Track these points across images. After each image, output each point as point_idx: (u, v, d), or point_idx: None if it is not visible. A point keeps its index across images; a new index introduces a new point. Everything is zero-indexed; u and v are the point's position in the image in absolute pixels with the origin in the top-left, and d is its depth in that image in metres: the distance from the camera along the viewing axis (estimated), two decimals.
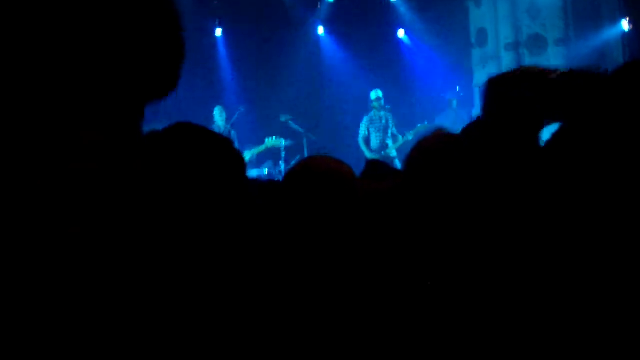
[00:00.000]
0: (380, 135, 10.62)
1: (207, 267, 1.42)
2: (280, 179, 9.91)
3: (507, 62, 12.68)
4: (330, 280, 1.84)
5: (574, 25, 12.02)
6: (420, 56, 13.55)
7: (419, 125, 10.69)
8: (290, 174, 1.97)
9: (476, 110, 12.53)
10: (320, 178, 1.85)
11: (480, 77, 13.08)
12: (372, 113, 10.80)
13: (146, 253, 1.37)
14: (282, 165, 10.91)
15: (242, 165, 1.51)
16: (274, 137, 10.56)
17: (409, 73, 13.54)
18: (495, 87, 1.91)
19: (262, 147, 10.48)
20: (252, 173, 10.20)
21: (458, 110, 11.71)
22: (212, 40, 13.21)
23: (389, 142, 10.67)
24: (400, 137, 10.63)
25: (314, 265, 1.84)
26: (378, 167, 3.54)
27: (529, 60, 12.33)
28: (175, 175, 1.39)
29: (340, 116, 11.79)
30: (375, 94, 10.83)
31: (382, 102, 10.68)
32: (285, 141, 10.74)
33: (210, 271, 1.43)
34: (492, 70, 12.86)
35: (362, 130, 10.77)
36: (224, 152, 1.48)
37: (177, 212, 1.37)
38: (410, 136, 10.47)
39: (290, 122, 11.32)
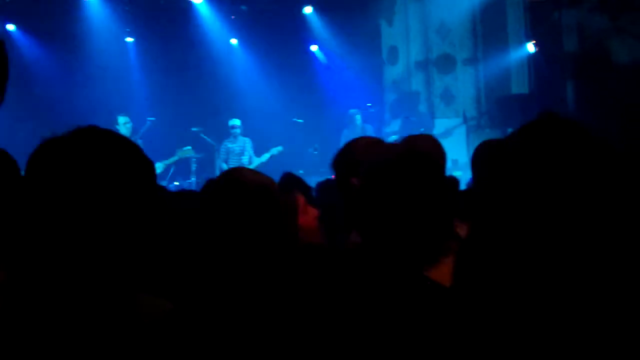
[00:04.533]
0: (236, 158, 11.14)
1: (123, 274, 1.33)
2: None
3: (417, 80, 12.97)
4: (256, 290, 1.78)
5: (483, 45, 12.39)
6: (333, 71, 13.64)
7: (272, 148, 11.17)
8: (215, 182, 1.92)
9: (387, 127, 12.74)
10: (250, 187, 1.84)
11: (391, 94, 13.33)
12: (230, 138, 11.24)
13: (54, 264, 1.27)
14: (193, 179, 10.72)
15: (152, 170, 1.41)
16: (186, 147, 10.38)
17: (322, 87, 13.59)
18: None
19: (174, 158, 10.27)
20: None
21: (364, 125, 11.77)
22: (122, 48, 12.91)
23: (245, 163, 11.13)
24: (256, 159, 11.17)
25: (237, 273, 1.78)
26: (293, 180, 3.53)
27: (437, 78, 12.64)
28: (77, 183, 1.29)
29: (252, 129, 11.70)
30: (232, 122, 11.24)
31: (238, 130, 11.19)
32: (196, 153, 10.58)
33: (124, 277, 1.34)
34: (403, 87, 13.13)
35: (222, 154, 11.21)
36: (133, 156, 1.37)
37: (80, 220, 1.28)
38: (264, 158, 11.08)
39: (201, 134, 11.17)
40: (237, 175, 1.93)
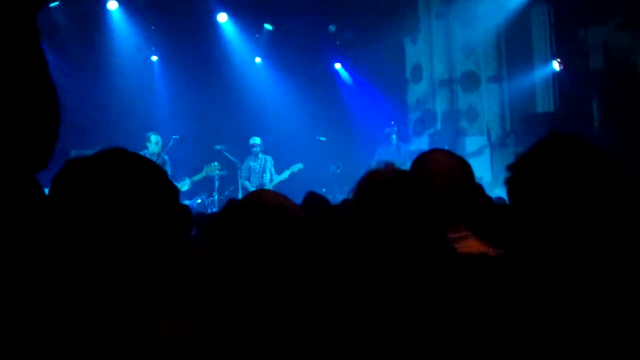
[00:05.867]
0: (258, 176, 11.21)
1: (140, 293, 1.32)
2: (214, 209, 9.66)
3: (441, 99, 12.91)
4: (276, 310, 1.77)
5: (507, 64, 12.32)
6: (357, 89, 13.65)
7: (292, 166, 11.16)
8: (239, 207, 1.92)
9: (413, 145, 12.69)
10: (272, 212, 1.83)
11: (415, 112, 13.29)
12: (251, 156, 11.31)
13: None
14: (216, 196, 10.74)
15: (176, 194, 1.40)
16: (213, 163, 10.42)
17: (346, 105, 13.59)
18: None
19: (201, 175, 10.30)
20: (184, 203, 9.92)
21: (399, 143, 11.84)
22: (148, 66, 13.01)
23: (266, 181, 11.18)
24: (276, 176, 11.19)
25: (259, 295, 1.78)
26: (315, 199, 3.53)
27: (462, 97, 12.58)
28: (103, 202, 1.29)
29: (275, 147, 11.73)
30: (252, 140, 11.31)
31: (258, 148, 11.26)
32: (219, 171, 10.61)
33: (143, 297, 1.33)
34: (427, 105, 13.09)
35: (244, 172, 11.28)
36: (158, 180, 1.36)
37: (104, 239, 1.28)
38: (284, 176, 11.10)
39: (224, 152, 11.19)
40: (257, 198, 1.92)
